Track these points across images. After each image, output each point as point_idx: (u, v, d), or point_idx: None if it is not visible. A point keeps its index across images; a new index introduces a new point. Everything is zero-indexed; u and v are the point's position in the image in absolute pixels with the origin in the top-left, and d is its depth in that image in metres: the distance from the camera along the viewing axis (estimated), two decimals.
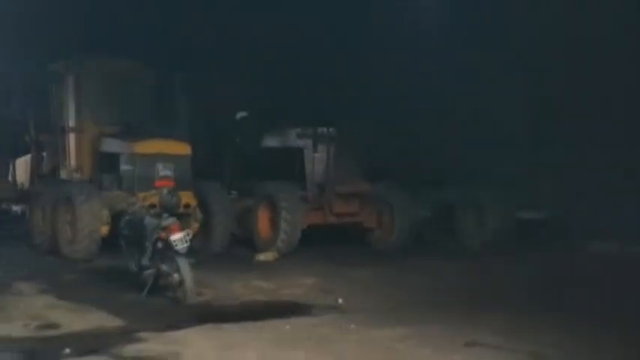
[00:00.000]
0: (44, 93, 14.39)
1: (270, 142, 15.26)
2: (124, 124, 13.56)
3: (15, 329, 8.42)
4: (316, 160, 14.61)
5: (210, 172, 14.60)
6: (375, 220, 15.32)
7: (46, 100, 14.37)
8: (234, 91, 15.50)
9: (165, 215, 10.11)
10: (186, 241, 9.69)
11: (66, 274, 11.87)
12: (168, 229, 9.78)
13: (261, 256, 13.63)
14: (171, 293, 9.97)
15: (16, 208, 15.45)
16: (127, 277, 10.50)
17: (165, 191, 10.56)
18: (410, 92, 16.62)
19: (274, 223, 14.07)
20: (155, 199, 10.89)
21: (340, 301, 10.22)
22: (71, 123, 13.90)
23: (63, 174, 14.03)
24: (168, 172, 13.00)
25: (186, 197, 12.79)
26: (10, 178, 16.27)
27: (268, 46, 16.96)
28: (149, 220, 10.13)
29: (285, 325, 8.78)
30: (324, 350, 7.77)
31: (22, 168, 15.68)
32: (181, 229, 9.83)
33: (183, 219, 12.18)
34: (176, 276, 9.77)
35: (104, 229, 12.54)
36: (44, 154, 14.81)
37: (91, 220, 12.31)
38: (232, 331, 8.54)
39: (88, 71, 13.88)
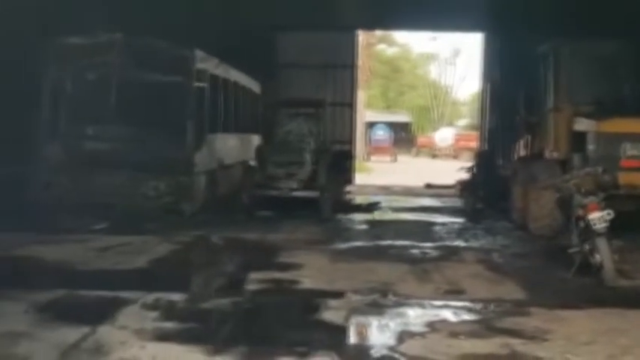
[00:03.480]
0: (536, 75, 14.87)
1: None
2: (597, 103, 13.26)
3: (422, 291, 9.09)
4: None
5: None
6: None
7: (537, 82, 14.83)
8: None
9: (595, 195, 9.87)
10: (604, 221, 9.34)
11: (528, 247, 12.33)
12: (587, 208, 9.55)
13: None
14: (597, 274, 9.68)
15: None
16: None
17: (599, 170, 10.31)
18: None
19: None
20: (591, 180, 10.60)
21: None
22: (552, 103, 14.16)
23: (545, 153, 14.35)
24: (637, 152, 12.39)
25: None
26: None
27: None
28: (575, 199, 10.02)
29: None
30: None
31: (520, 147, 16.45)
32: (601, 208, 9.47)
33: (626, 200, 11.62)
34: (597, 256, 9.50)
35: None
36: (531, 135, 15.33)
37: (550, 199, 12.40)
38: (621, 315, 8.12)
39: (568, 52, 13.93)
